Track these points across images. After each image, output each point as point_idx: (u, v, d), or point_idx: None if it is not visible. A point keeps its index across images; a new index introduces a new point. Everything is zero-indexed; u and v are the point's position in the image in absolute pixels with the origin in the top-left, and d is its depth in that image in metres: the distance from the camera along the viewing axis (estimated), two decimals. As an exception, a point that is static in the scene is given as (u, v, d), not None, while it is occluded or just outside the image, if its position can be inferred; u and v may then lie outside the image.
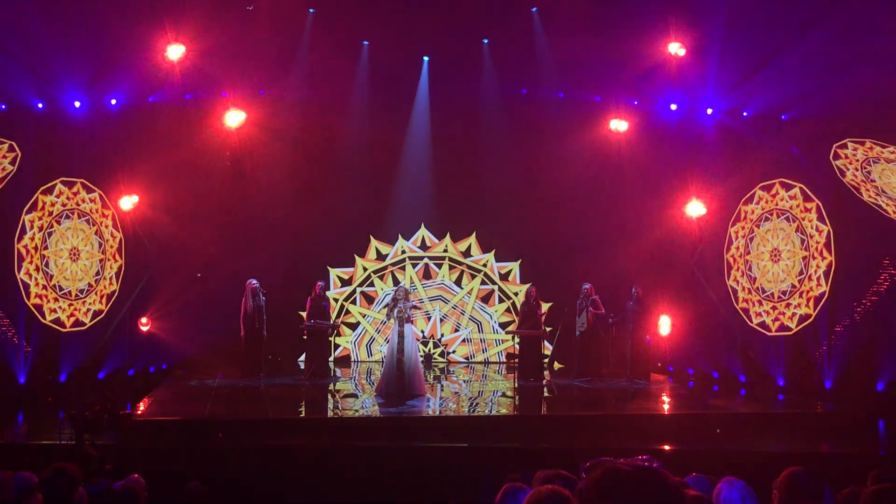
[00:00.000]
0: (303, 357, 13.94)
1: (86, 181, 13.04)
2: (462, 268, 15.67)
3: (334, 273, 15.49)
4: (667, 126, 14.25)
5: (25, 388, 12.23)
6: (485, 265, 15.68)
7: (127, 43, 12.28)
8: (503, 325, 15.33)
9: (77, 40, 11.91)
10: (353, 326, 15.45)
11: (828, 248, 12.32)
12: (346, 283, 15.52)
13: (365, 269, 15.56)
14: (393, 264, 15.58)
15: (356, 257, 15.51)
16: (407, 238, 15.64)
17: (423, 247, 15.71)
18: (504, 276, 15.66)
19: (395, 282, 15.27)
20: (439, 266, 15.67)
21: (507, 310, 15.49)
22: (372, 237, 15.55)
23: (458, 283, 15.67)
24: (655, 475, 1.80)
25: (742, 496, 3.72)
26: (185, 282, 13.63)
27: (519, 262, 15.55)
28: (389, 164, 15.18)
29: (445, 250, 15.68)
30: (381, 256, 15.61)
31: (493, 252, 15.65)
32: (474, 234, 15.65)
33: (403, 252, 15.63)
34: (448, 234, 15.64)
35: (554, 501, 2.62)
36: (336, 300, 15.33)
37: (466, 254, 15.72)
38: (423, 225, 15.66)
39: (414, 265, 15.63)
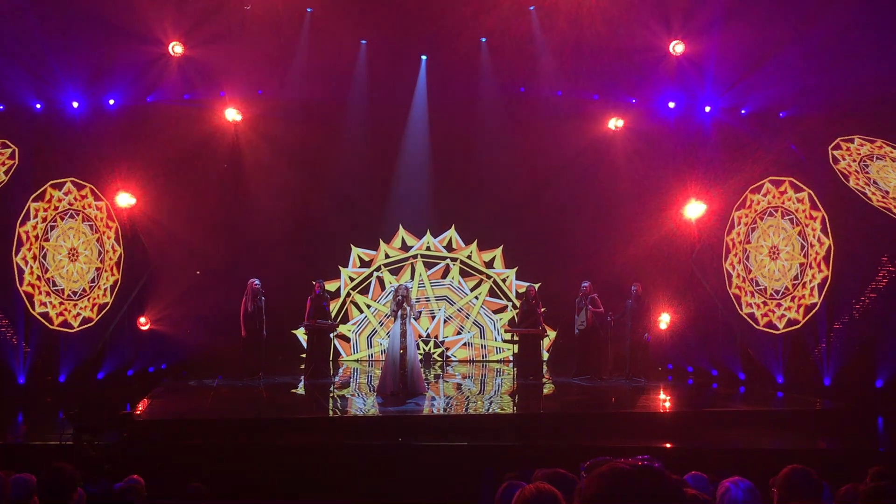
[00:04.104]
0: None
1: (95, 188, 13.07)
2: (481, 276, 15.67)
3: (357, 252, 15.53)
4: (665, 124, 14.26)
5: (24, 388, 12.22)
6: (504, 280, 15.68)
7: (125, 43, 12.28)
8: (506, 341, 15.29)
9: (75, 40, 11.90)
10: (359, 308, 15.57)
11: (826, 261, 12.30)
12: (365, 264, 15.56)
13: (388, 256, 15.62)
14: (413, 257, 15.63)
15: (381, 242, 15.57)
16: (435, 235, 15.70)
17: (449, 247, 15.73)
18: (521, 296, 15.56)
19: (413, 275, 15.43)
20: (453, 269, 15.70)
21: (511, 319, 15.40)
22: (401, 226, 15.62)
23: (474, 290, 15.71)
24: (655, 474, 1.80)
25: (746, 498, 3.70)
26: (185, 281, 13.63)
27: (538, 285, 14.86)
28: (388, 162, 15.23)
29: (469, 256, 15.69)
30: (405, 247, 15.68)
31: (515, 269, 15.61)
32: (501, 247, 15.68)
33: (429, 248, 15.69)
34: (476, 241, 15.67)
35: (540, 498, 2.63)
36: (352, 278, 15.43)
37: (490, 265, 15.74)
38: (453, 226, 15.68)
39: (434, 264, 15.66)
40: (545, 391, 12.59)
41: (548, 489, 2.67)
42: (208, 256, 13.82)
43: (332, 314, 14.68)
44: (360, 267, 15.58)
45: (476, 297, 15.65)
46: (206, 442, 8.74)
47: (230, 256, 14.03)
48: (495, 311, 15.66)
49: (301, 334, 14.47)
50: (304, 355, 13.76)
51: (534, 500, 2.62)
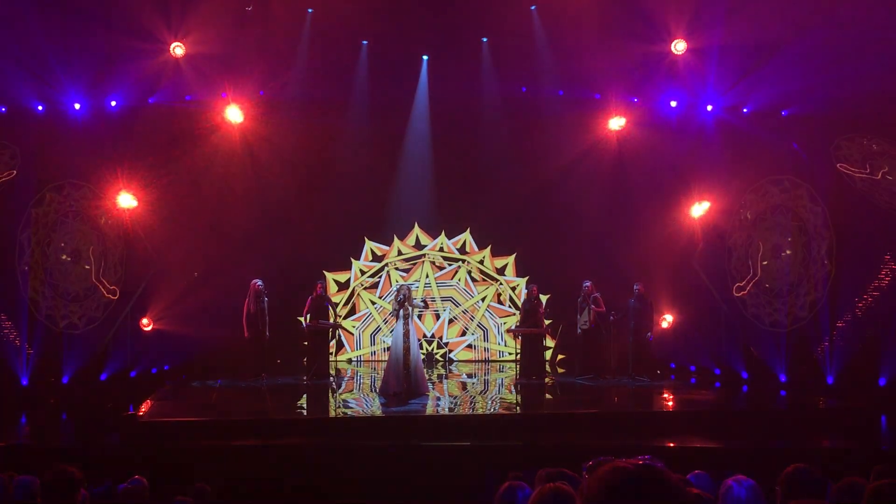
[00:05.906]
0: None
1: (96, 188, 13.11)
2: (491, 282, 15.64)
3: (370, 245, 15.58)
4: (667, 123, 14.22)
5: (28, 389, 12.25)
6: (514, 288, 15.67)
7: (126, 44, 12.30)
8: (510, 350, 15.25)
9: (76, 42, 11.93)
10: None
11: (829, 256, 12.32)
12: (377, 258, 15.60)
13: (401, 253, 15.65)
14: (424, 256, 15.64)
15: (395, 238, 15.58)
16: (450, 237, 15.72)
17: (463, 250, 15.73)
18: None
19: (422, 274, 15.51)
20: (461, 270, 15.69)
21: (516, 324, 15.32)
22: (417, 224, 15.64)
23: (481, 293, 15.70)
24: (657, 473, 1.79)
25: (749, 497, 3.70)
26: (187, 282, 13.63)
27: (548, 297, 14.81)
28: (391, 163, 15.22)
29: (482, 261, 15.67)
30: (419, 245, 15.71)
31: (526, 279, 15.51)
32: (514, 255, 15.67)
33: (442, 249, 15.70)
34: (490, 247, 15.67)
35: (557, 499, 2.63)
36: (363, 272, 15.49)
37: (501, 272, 15.73)
38: (468, 230, 15.67)
39: (445, 266, 15.66)
40: (547, 391, 12.58)
41: (566, 490, 2.68)
42: (210, 256, 13.80)
43: (340, 305, 14.75)
44: (371, 261, 15.60)
45: (482, 300, 15.63)
46: (209, 443, 8.75)
47: (232, 256, 14.00)
48: (501, 317, 15.63)
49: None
50: (305, 342, 13.72)
51: (551, 499, 2.63)
